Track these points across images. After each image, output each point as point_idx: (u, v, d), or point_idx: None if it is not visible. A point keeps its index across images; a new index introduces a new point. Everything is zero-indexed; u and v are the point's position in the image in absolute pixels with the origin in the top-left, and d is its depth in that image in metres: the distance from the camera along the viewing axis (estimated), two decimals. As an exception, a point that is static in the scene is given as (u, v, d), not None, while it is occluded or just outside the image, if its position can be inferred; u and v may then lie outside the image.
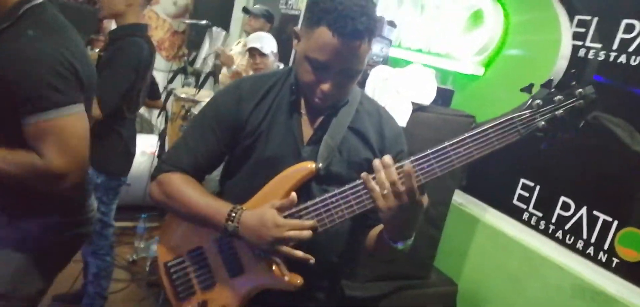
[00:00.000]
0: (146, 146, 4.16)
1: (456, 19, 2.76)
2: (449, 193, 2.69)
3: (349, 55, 1.26)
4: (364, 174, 1.23)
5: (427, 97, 2.42)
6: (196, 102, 4.10)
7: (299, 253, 1.28)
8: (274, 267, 1.38)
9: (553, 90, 1.27)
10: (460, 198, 2.91)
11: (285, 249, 1.28)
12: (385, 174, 1.19)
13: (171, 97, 4.51)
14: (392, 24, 3.06)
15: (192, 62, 5.30)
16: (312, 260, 1.29)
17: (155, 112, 4.97)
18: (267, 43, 3.56)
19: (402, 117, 2.28)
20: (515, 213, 2.61)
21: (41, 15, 1.41)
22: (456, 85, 2.85)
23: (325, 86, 1.31)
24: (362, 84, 2.51)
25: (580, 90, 1.25)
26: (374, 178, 1.22)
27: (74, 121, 1.41)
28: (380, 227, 1.40)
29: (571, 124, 1.25)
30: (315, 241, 1.30)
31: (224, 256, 1.45)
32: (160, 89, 4.36)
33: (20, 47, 1.34)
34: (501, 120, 1.26)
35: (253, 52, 3.57)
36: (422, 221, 1.29)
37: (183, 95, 4.36)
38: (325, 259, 1.45)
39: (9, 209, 1.56)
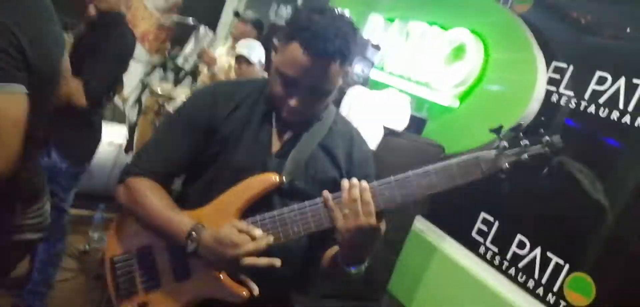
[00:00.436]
0: (114, 136, 4.08)
1: (438, 50, 2.83)
2: (410, 218, 2.75)
3: (317, 74, 1.27)
4: (325, 193, 1.25)
5: (400, 123, 2.48)
6: (171, 99, 4.05)
7: (263, 260, 1.26)
8: (222, 276, 1.35)
9: (521, 134, 1.32)
10: (421, 224, 2.96)
11: (248, 262, 1.26)
12: (348, 194, 1.21)
13: (146, 91, 4.47)
14: (376, 47, 3.12)
15: (174, 58, 5.27)
16: (278, 262, 1.27)
17: (129, 103, 4.91)
18: (255, 52, 3.55)
19: (372, 140, 2.33)
20: (472, 246, 2.69)
21: None
22: (431, 115, 2.93)
23: (293, 101, 1.32)
24: (338, 103, 2.55)
25: (547, 138, 1.28)
26: (335, 198, 1.24)
27: (6, 102, 1.22)
28: (335, 248, 1.40)
29: (534, 170, 1.30)
30: (268, 252, 1.28)
31: (173, 258, 1.42)
32: (136, 80, 4.32)
33: None
34: (466, 157, 1.29)
35: (240, 60, 3.56)
36: (377, 246, 1.30)
37: (158, 91, 4.32)
38: (276, 273, 1.45)
39: None
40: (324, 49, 1.24)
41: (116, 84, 2.49)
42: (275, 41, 1.40)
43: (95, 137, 2.58)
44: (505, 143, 1.30)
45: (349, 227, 1.21)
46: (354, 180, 1.22)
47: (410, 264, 2.88)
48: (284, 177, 1.37)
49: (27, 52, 1.23)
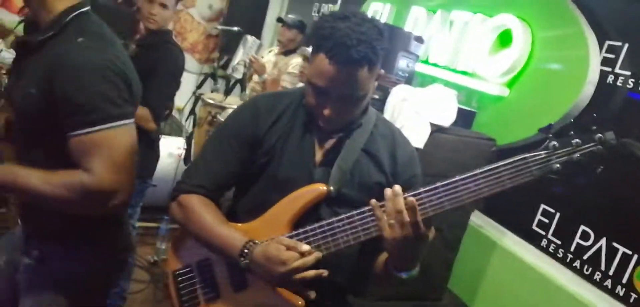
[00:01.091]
0: (173, 148, 4.19)
1: (484, 38, 2.73)
2: (467, 215, 2.67)
3: (346, 82, 1.27)
4: (373, 201, 1.23)
5: (447, 118, 2.41)
6: (223, 108, 4.14)
7: (311, 273, 1.28)
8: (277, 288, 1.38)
9: (571, 133, 1.25)
10: (478, 220, 2.88)
11: (297, 278, 1.28)
12: (393, 204, 1.19)
13: (199, 102, 4.56)
14: (419, 39, 3.05)
15: (224, 67, 5.36)
16: (325, 273, 1.29)
17: (185, 114, 5.04)
18: None
19: (419, 138, 2.27)
20: (533, 239, 2.58)
21: (88, 23, 1.33)
22: (480, 106, 2.83)
23: (326, 111, 1.32)
24: (382, 103, 2.51)
25: (600, 135, 1.22)
26: (382, 206, 1.22)
27: (125, 134, 1.30)
28: (386, 256, 1.39)
29: (588, 169, 1.23)
30: (322, 260, 1.30)
31: (230, 270, 1.46)
32: (189, 93, 4.43)
33: (70, 55, 1.23)
34: (515, 160, 1.25)
35: (308, 58, 3.58)
36: (426, 251, 1.27)
37: (210, 101, 4.41)
38: (331, 279, 1.46)
39: (53, 239, 1.41)
40: (349, 57, 1.23)
41: (171, 101, 2.56)
42: (307, 53, 1.41)
43: (155, 154, 2.68)
44: (555, 143, 1.24)
45: (396, 237, 1.19)
46: (397, 188, 1.20)
47: (470, 260, 2.81)
48: (331, 187, 1.37)
49: (131, 84, 1.33)
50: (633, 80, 2.23)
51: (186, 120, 5.14)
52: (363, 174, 1.43)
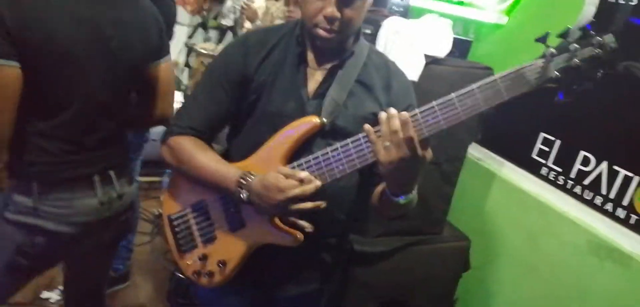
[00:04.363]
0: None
1: (480, -35, 2.64)
2: (463, 148, 2.64)
3: None
4: (366, 126, 1.22)
5: (442, 49, 2.34)
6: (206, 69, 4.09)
7: (309, 204, 1.29)
8: (275, 221, 1.38)
9: (569, 39, 1.22)
10: (476, 152, 2.86)
11: (295, 208, 1.29)
12: (387, 126, 1.17)
13: (192, 53, 4.48)
14: (413, -30, 2.96)
15: (216, 17, 5.27)
16: (324, 204, 1.30)
17: (179, 67, 4.97)
18: None
19: (413, 70, 2.22)
20: (533, 168, 2.55)
21: None
22: (478, 36, 2.76)
23: (330, 9, 1.30)
24: (374, 37, 2.45)
25: (599, 38, 1.20)
26: (377, 131, 1.20)
27: None
28: (383, 185, 1.38)
29: (588, 74, 1.21)
30: (320, 193, 1.30)
31: (226, 209, 1.47)
32: (181, 44, 4.34)
33: None
34: (512, 71, 1.24)
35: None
36: (423, 173, 1.26)
37: (203, 51, 4.34)
38: (331, 216, 1.46)
39: None
40: None
41: None
42: None
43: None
44: (552, 50, 1.21)
45: (392, 159, 1.17)
46: (392, 110, 1.18)
47: (469, 193, 2.80)
48: (324, 119, 1.36)
49: (11, 30, 1.31)
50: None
51: (182, 73, 5.09)
52: (357, 105, 1.41)
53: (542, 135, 2.50)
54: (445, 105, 1.20)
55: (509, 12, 2.61)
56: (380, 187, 1.43)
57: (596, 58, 1.19)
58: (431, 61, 2.27)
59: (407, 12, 2.89)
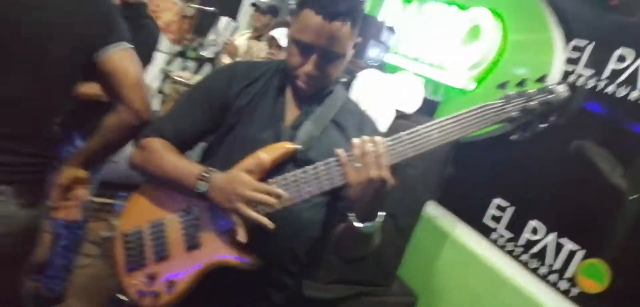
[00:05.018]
0: None
1: (455, 31, 2.78)
2: (420, 204, 2.69)
3: (330, 36, 1.32)
4: (339, 150, 1.27)
5: (412, 105, 2.43)
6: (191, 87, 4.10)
7: (264, 219, 1.27)
8: (233, 242, 1.35)
9: (526, 86, 1.31)
10: (432, 210, 2.91)
11: (248, 209, 1.27)
12: (360, 148, 1.23)
13: (167, 80, 4.50)
14: (391, 29, 3.09)
15: (196, 48, 5.33)
16: (272, 226, 1.27)
17: (150, 91, 4.95)
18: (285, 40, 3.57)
19: (383, 122, 2.29)
20: (485, 232, 2.62)
21: None
22: (446, 97, 2.87)
23: (308, 66, 1.36)
24: (348, 86, 2.53)
25: (552, 86, 1.29)
26: (349, 155, 1.25)
27: None
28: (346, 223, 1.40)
29: (542, 117, 1.29)
30: (283, 228, 1.31)
31: (185, 228, 1.43)
32: (157, 69, 4.35)
33: None
34: (476, 107, 1.31)
35: (273, 42, 3.59)
36: (386, 200, 1.29)
37: (178, 79, 4.36)
38: (291, 251, 1.46)
39: None
40: (335, 9, 1.31)
41: None
42: (289, 18, 1.45)
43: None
44: (512, 92, 1.30)
45: (361, 180, 1.22)
46: (366, 137, 1.24)
47: (422, 249, 2.83)
48: (298, 146, 1.39)
49: None
50: (595, 79, 2.29)
51: (153, 97, 5.06)
52: (331, 142, 1.44)
53: (497, 201, 2.57)
54: (414, 135, 1.27)
55: (479, 80, 2.72)
56: (343, 225, 1.43)
57: (549, 103, 1.26)
58: (400, 116, 2.35)
59: (382, 67, 2.99)
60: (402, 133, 1.27)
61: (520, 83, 1.31)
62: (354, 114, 1.54)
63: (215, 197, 1.32)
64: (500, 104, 1.29)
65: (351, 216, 1.31)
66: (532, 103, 1.27)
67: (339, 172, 1.28)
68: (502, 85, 1.33)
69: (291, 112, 1.48)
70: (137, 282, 1.42)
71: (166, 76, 4.98)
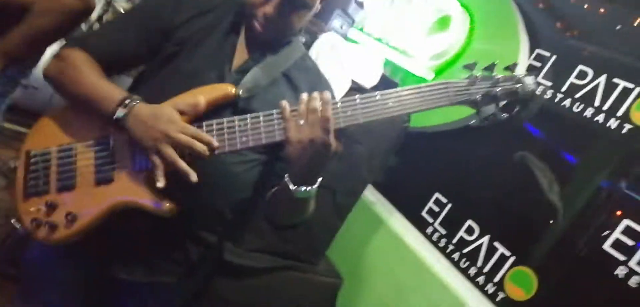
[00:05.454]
0: None
1: (423, 18, 2.72)
2: (363, 185, 2.63)
3: None
4: (283, 102, 1.17)
5: (369, 80, 2.36)
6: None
7: (183, 164, 1.14)
8: (150, 185, 1.21)
9: (494, 72, 1.25)
10: (371, 195, 2.86)
11: (170, 152, 1.14)
12: (306, 104, 1.14)
13: (110, 8, 4.24)
14: (360, 4, 3.00)
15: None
16: (195, 178, 1.15)
17: (90, 21, 4.65)
18: None
19: (337, 91, 2.21)
20: (420, 225, 2.59)
21: None
22: (403, 82, 2.81)
23: (268, 7, 1.25)
24: (307, 48, 2.42)
25: (520, 76, 1.24)
26: (294, 110, 1.16)
27: None
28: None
29: (505, 106, 1.24)
30: (210, 179, 1.19)
31: (97, 159, 1.27)
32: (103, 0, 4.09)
33: None
34: (438, 82, 1.26)
35: None
36: (326, 167, 1.20)
37: (121, 9, 4.11)
38: (215, 207, 1.34)
39: None
40: None
41: None
42: None
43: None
44: (478, 74, 1.23)
45: (302, 139, 1.13)
46: (315, 93, 1.14)
47: (353, 232, 2.77)
48: (240, 91, 1.26)
49: None
50: (552, 91, 2.29)
51: (91, 27, 4.74)
52: (277, 95, 1.32)
53: (436, 195, 2.55)
54: (368, 101, 1.18)
55: (438, 71, 2.68)
56: (277, 186, 1.34)
57: (514, 93, 1.21)
58: (355, 88, 2.27)
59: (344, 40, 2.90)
60: (356, 96, 1.18)
61: (488, 67, 1.26)
62: (309, 71, 1.44)
63: (134, 130, 1.17)
64: (465, 84, 1.24)
65: (287, 177, 1.22)
66: (497, 89, 1.23)
67: (280, 126, 1.18)
68: (470, 66, 1.27)
69: (240, 55, 1.35)
70: (34, 209, 1.26)
71: (109, 5, 4.67)
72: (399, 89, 1.22)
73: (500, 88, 1.22)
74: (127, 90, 1.40)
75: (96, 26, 4.38)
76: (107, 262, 1.32)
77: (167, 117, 1.15)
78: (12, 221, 1.29)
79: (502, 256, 2.21)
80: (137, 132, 1.16)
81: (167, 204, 1.20)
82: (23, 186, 1.29)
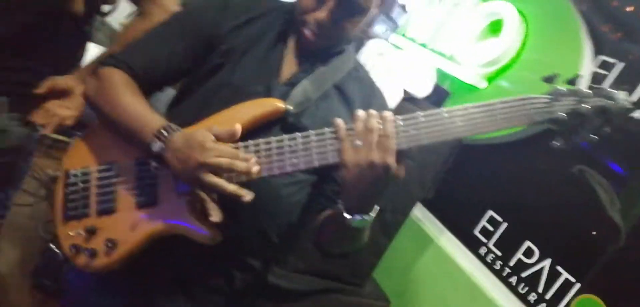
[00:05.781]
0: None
1: (473, 22, 2.54)
2: (412, 203, 2.48)
3: None
4: (337, 119, 1.04)
5: (422, 90, 2.20)
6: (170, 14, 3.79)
7: (232, 186, 1.03)
8: (193, 208, 1.13)
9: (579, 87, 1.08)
10: (419, 212, 2.69)
11: (214, 180, 1.03)
12: (364, 123, 1.00)
13: None
14: (403, 7, 2.85)
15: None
16: (250, 196, 1.04)
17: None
18: None
19: (389, 101, 2.07)
20: (473, 245, 2.42)
21: None
22: (453, 91, 2.64)
23: (321, 13, 1.14)
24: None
25: (613, 91, 1.07)
26: (349, 129, 1.03)
27: None
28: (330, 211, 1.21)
29: (593, 126, 1.07)
30: (256, 203, 1.06)
31: (140, 180, 1.19)
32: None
33: None
34: (514, 99, 1.10)
35: None
36: (387, 193, 1.08)
37: None
38: (260, 230, 1.24)
39: None
40: None
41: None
42: None
43: (81, 52, 2.30)
44: (563, 89, 1.07)
45: (360, 162, 0.99)
46: (372, 110, 1.01)
47: (402, 253, 2.62)
48: (289, 107, 1.15)
49: None
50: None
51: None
52: (329, 110, 1.21)
53: (490, 213, 2.38)
54: (433, 119, 1.05)
55: (490, 78, 2.50)
56: (327, 212, 1.23)
57: (606, 110, 1.05)
58: (408, 98, 2.12)
59: (386, 47, 2.76)
60: (419, 113, 1.04)
61: (572, 81, 1.09)
62: (362, 83, 1.31)
63: (172, 163, 1.07)
64: (546, 100, 1.07)
65: (340, 204, 1.08)
66: (585, 106, 1.05)
67: (334, 147, 1.05)
68: (549, 79, 1.10)
69: (289, 66, 1.24)
70: (73, 233, 1.19)
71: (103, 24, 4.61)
72: (467, 106, 1.08)
73: (588, 105, 1.05)
74: (170, 106, 1.33)
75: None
76: (147, 290, 1.25)
77: (200, 143, 1.04)
78: (51, 245, 1.26)
79: (567, 281, 2.02)
80: (176, 166, 1.07)
81: (212, 231, 1.11)
82: (62, 208, 1.23)
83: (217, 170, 1.03)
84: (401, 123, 1.03)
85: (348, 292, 2.36)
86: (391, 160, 0.98)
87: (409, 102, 2.12)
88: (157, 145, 1.08)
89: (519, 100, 1.08)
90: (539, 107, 1.07)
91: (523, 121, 1.07)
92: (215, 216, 1.08)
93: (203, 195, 1.07)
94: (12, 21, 1.31)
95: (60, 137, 3.45)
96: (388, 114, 1.01)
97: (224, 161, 1.02)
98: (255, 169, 1.04)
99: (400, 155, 1.01)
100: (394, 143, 0.99)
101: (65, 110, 1.47)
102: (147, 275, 1.22)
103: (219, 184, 1.02)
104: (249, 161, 1.04)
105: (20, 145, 1.50)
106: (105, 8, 1.65)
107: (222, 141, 1.06)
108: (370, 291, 2.50)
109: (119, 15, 2.03)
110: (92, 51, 2.18)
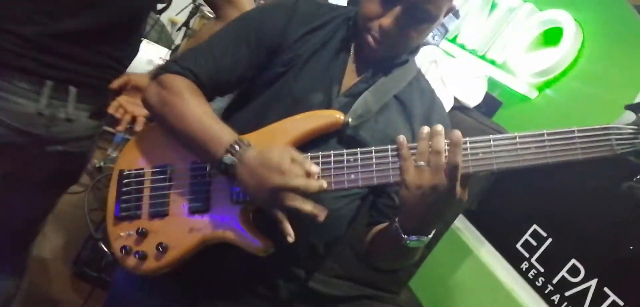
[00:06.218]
0: (155, 56, 3.80)
1: (526, 30, 2.46)
2: (456, 213, 2.43)
3: None
4: (401, 137, 0.99)
5: (473, 99, 2.14)
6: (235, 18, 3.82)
7: (308, 206, 0.99)
8: (246, 217, 1.11)
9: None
10: (459, 223, 2.64)
11: (294, 202, 0.99)
12: (429, 142, 0.95)
13: (197, 14, 4.19)
14: (456, 13, 2.77)
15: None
16: (323, 216, 1.01)
17: (178, 26, 4.63)
18: None
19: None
20: (514, 259, 2.36)
21: None
22: (503, 99, 2.57)
23: (386, 20, 1.08)
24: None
25: None
26: (412, 147, 0.98)
27: None
28: (383, 224, 1.18)
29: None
30: (308, 219, 1.02)
31: (193, 185, 1.17)
32: (189, 1, 4.05)
33: None
34: (594, 127, 1.01)
35: None
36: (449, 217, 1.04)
37: (210, 15, 4.05)
38: (309, 242, 1.22)
39: None
40: None
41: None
42: None
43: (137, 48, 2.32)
44: None
45: (422, 185, 0.94)
46: (439, 127, 0.95)
47: (439, 262, 2.55)
48: (349, 119, 1.12)
49: None
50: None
51: (177, 30, 4.71)
52: (389, 123, 1.18)
53: (534, 227, 2.31)
54: (505, 144, 0.97)
55: (541, 88, 2.43)
56: (380, 226, 1.20)
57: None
58: (458, 107, 2.06)
59: (433, 52, 2.70)
60: (491, 136, 0.98)
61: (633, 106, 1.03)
62: (424, 94, 1.26)
63: (244, 182, 1.04)
64: (632, 132, 1.00)
65: (397, 222, 1.04)
66: (675, 139, 0.98)
67: (395, 165, 1.00)
68: (634, 107, 1.03)
69: (350, 75, 1.20)
70: (124, 235, 1.19)
71: (196, 9, 4.61)
72: (543, 132, 1.00)
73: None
74: (224, 111, 1.31)
75: (181, 31, 4.40)
76: (192, 293, 1.24)
77: (277, 166, 1.00)
78: (100, 244, 1.23)
79: (614, 304, 1.95)
80: (249, 183, 1.03)
81: (265, 242, 1.09)
82: (114, 208, 1.22)
83: (296, 192, 1.00)
84: (469, 145, 0.97)
85: (384, 300, 2.34)
86: (456, 184, 0.93)
87: (459, 110, 2.07)
88: (228, 158, 1.04)
89: (601, 129, 1.01)
90: (623, 138, 1.00)
91: (604, 153, 1.01)
92: (291, 238, 1.03)
93: (279, 217, 1.03)
94: (88, 15, 1.32)
95: (106, 128, 3.50)
96: (457, 137, 0.93)
97: (301, 182, 0.99)
98: (324, 183, 1.01)
99: (465, 178, 0.96)
100: (460, 169, 0.93)
101: (138, 108, 1.47)
102: (194, 278, 1.21)
103: (298, 206, 1.00)
104: (319, 179, 1.01)
105: (86, 136, 1.49)
106: (159, 6, 1.62)
107: (293, 159, 1.02)
108: (406, 299, 2.47)
109: (171, 12, 2.02)
110: (144, 48, 2.17)
